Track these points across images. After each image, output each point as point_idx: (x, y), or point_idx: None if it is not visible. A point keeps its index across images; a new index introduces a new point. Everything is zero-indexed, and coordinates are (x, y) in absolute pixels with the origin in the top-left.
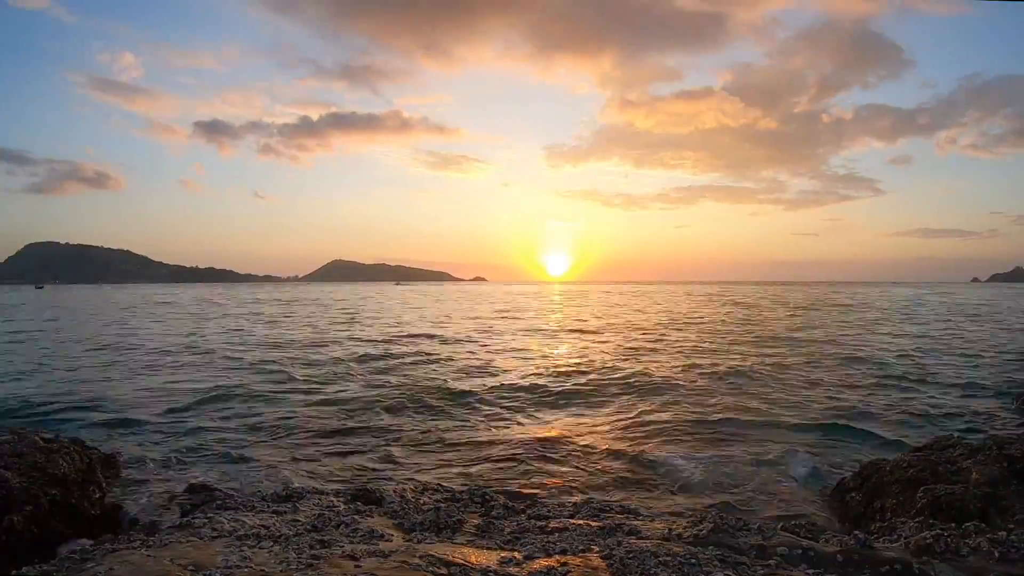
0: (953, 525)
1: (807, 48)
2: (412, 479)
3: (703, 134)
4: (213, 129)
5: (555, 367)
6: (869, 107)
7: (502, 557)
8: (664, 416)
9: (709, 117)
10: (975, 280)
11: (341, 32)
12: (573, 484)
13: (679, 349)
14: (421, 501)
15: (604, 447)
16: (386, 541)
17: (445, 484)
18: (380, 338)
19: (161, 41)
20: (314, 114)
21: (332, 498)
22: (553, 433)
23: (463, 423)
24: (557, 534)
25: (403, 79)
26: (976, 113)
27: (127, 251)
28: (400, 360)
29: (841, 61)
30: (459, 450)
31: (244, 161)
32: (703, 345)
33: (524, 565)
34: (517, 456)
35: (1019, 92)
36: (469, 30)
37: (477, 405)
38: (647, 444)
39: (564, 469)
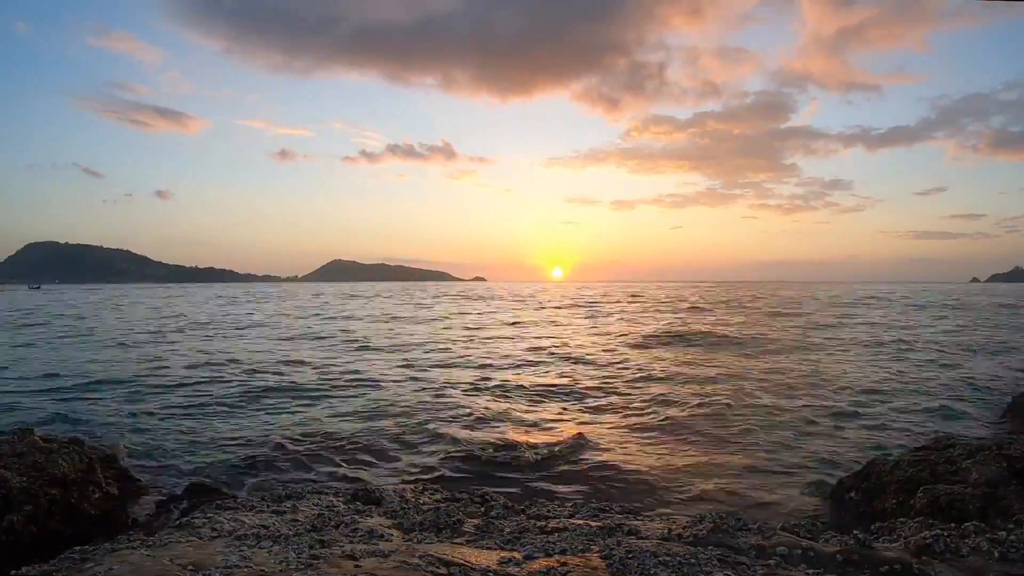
0: (953, 525)
1: (794, 76)
2: (417, 479)
3: (697, 146)
4: (282, 156)
5: None
6: (852, 125)
7: (502, 557)
8: (668, 413)
9: (704, 134)
10: (975, 280)
11: (439, 98)
12: (573, 483)
13: None
14: (421, 501)
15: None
16: (386, 541)
17: (444, 484)
18: None
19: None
20: (378, 147)
21: (332, 498)
22: None
23: None
24: (557, 534)
25: (467, 125)
26: (948, 128)
27: (127, 251)
28: None
29: (825, 86)
30: None
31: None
32: None
33: (524, 565)
34: None
35: (981, 109)
36: (529, 96)
37: None
38: (648, 441)
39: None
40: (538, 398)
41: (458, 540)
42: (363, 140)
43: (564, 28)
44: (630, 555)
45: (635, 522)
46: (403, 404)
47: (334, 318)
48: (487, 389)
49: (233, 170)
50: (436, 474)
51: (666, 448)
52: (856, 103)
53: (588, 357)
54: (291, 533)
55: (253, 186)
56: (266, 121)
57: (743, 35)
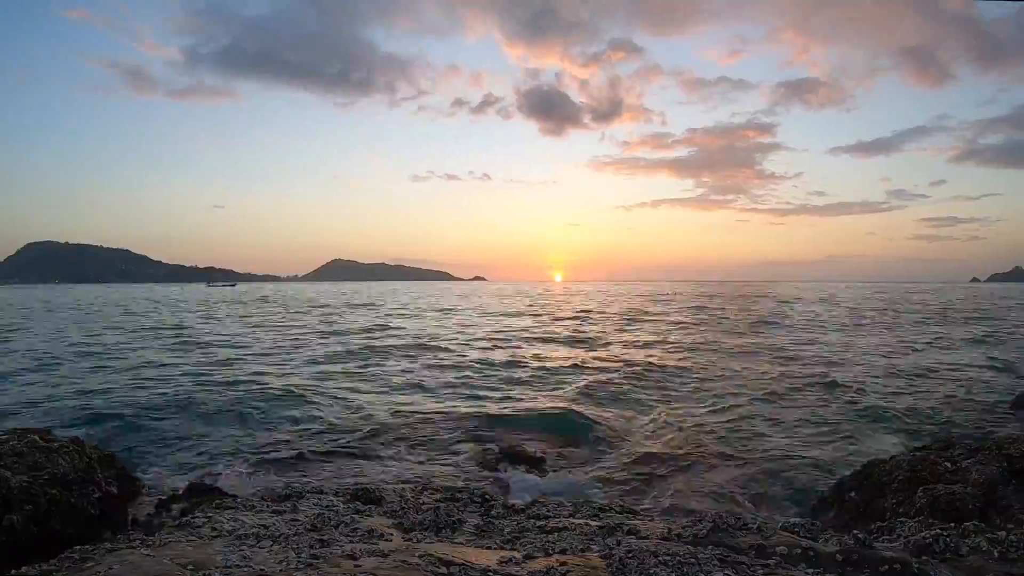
0: (952, 525)
1: (780, 95)
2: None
3: (691, 156)
4: (335, 177)
5: None
6: (835, 135)
7: (501, 556)
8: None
9: (698, 147)
10: (975, 280)
11: (489, 133)
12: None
13: None
14: (420, 500)
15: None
16: (385, 540)
17: (444, 483)
18: None
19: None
20: (422, 172)
21: (331, 497)
22: None
23: None
24: (556, 534)
25: (501, 151)
26: (926, 140)
27: (126, 250)
28: None
29: (809, 103)
30: None
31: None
32: None
33: (523, 564)
34: None
35: (952, 124)
36: (561, 136)
37: None
38: (647, 440)
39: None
40: None
41: (458, 540)
42: (415, 166)
43: (597, 99)
44: (630, 554)
45: (635, 521)
46: None
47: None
48: None
49: (296, 186)
50: None
51: (659, 445)
52: (839, 116)
53: None
54: (291, 533)
55: (311, 200)
56: (330, 146)
57: (734, 66)
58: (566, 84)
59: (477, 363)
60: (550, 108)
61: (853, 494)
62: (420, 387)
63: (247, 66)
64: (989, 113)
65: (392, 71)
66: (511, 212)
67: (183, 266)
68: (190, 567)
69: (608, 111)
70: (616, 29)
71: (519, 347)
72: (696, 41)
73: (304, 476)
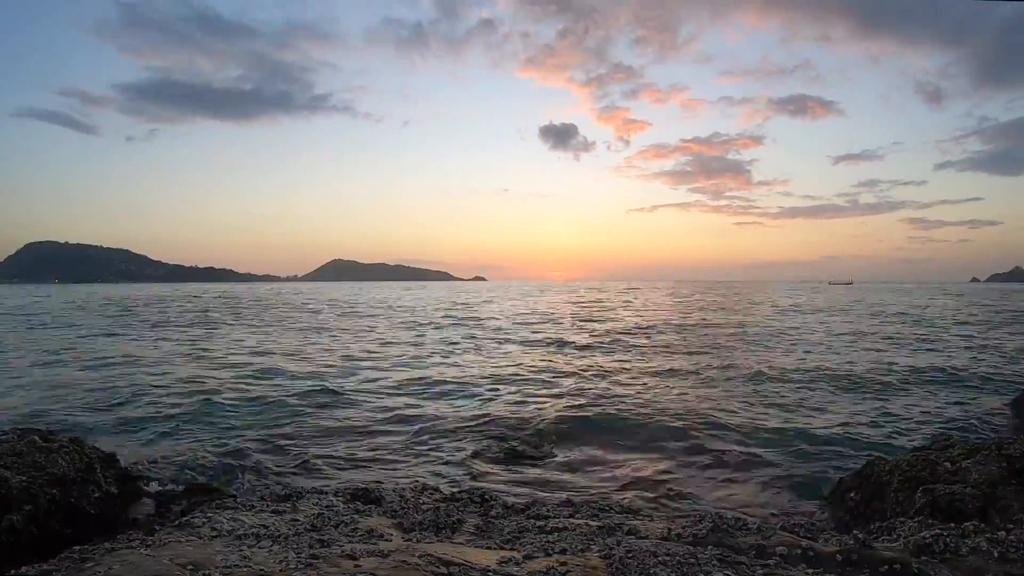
0: (952, 525)
1: (773, 109)
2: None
3: (687, 163)
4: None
5: None
6: (824, 145)
7: (501, 557)
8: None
9: (693, 155)
10: (974, 280)
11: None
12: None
13: None
14: (420, 501)
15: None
16: (385, 540)
17: (444, 484)
18: None
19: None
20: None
21: (331, 497)
22: None
23: None
24: (556, 534)
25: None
26: (906, 152)
27: (126, 250)
28: None
29: (800, 115)
30: None
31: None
32: None
33: (523, 564)
34: None
35: (928, 139)
36: (578, 159)
37: None
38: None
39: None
40: None
41: (458, 540)
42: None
43: (604, 120)
44: (630, 554)
45: (635, 522)
46: None
47: None
48: None
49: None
50: None
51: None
52: (827, 127)
53: None
54: (291, 532)
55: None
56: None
57: (730, 85)
58: (575, 104)
59: None
60: (565, 137)
61: (853, 494)
62: None
63: (325, 108)
64: (965, 125)
65: (418, 104)
66: (516, 217)
67: (183, 266)
68: (190, 567)
69: (616, 138)
70: (623, 55)
71: None
72: (694, 62)
73: (304, 476)
